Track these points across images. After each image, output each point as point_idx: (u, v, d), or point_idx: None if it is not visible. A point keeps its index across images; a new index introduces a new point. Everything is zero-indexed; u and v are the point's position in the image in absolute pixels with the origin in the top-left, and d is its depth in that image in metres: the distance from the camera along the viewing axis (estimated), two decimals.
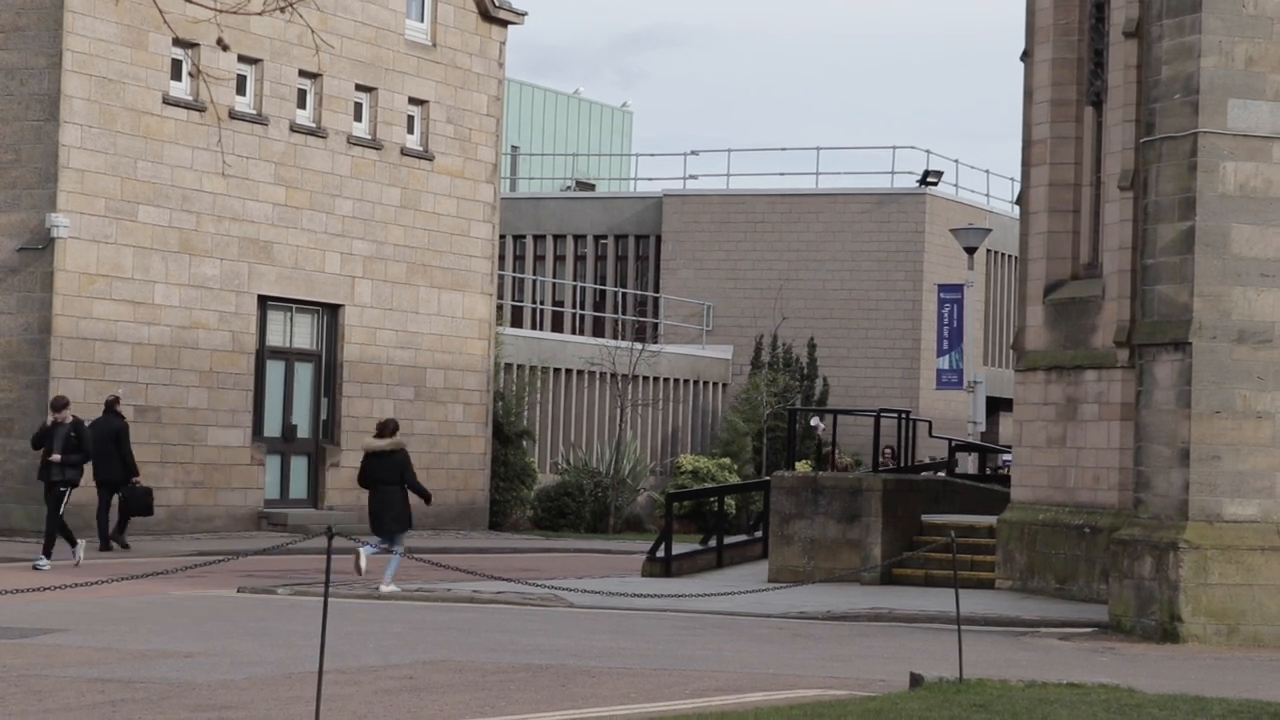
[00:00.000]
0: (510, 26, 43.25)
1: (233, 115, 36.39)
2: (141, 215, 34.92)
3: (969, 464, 44.37)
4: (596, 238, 58.12)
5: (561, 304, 57.99)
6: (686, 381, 52.05)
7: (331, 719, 13.96)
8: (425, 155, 41.00)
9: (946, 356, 44.14)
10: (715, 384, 53.20)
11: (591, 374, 48.35)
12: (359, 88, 39.61)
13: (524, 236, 58.22)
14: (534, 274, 57.73)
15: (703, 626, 22.23)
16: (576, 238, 58.37)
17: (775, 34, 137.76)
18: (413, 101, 40.84)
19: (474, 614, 23.25)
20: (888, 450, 41.28)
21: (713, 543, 31.39)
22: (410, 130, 40.91)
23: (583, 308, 57.81)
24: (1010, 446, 30.39)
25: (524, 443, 44.63)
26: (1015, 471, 27.99)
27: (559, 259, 58.44)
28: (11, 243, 33.74)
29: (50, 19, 33.63)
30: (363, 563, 26.41)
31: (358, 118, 39.70)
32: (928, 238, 53.73)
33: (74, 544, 28.18)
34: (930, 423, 44.05)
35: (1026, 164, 27.63)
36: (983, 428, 42.53)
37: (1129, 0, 25.16)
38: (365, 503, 27.07)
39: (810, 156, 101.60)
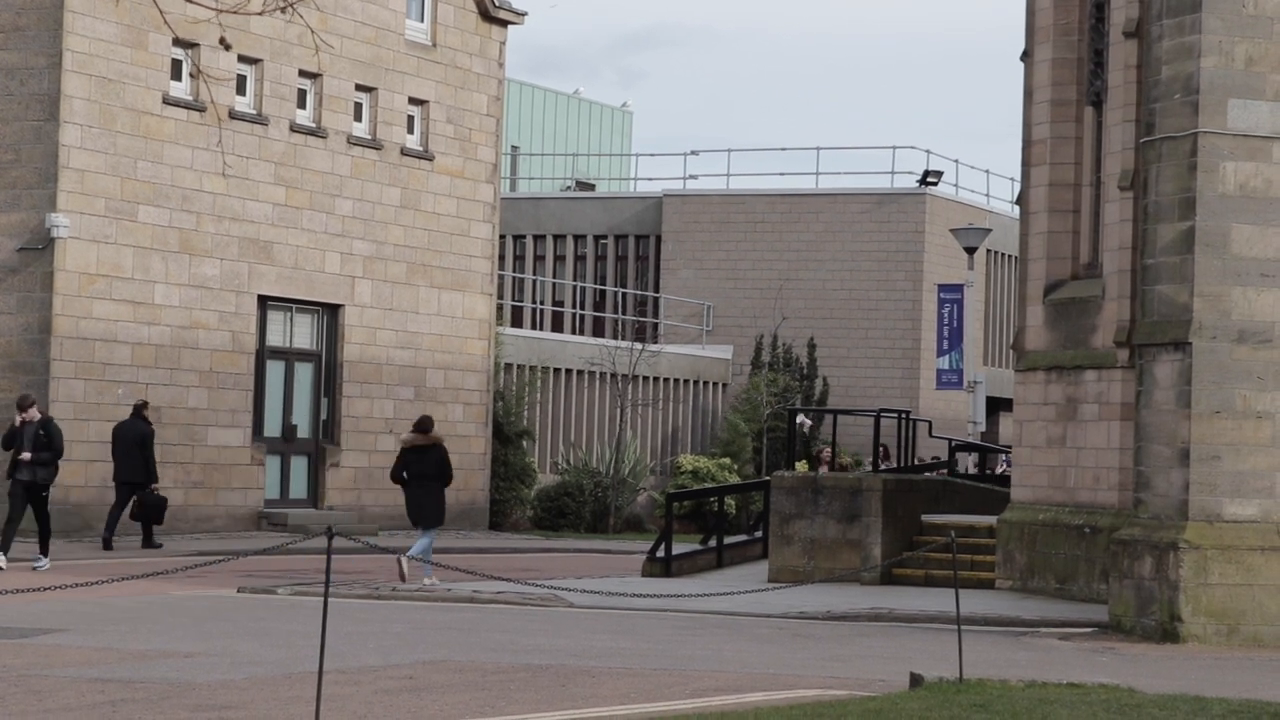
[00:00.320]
0: (510, 26, 43.25)
1: (233, 115, 36.39)
2: (141, 215, 34.92)
3: (969, 464, 44.36)
4: (596, 238, 58.11)
5: (561, 304, 57.98)
6: (686, 381, 52.04)
7: (331, 719, 13.96)
8: (425, 155, 41.00)
9: (946, 356, 44.13)
10: (715, 384, 53.19)
11: (591, 374, 48.33)
12: (359, 88, 39.60)
13: (524, 236, 58.22)
14: (534, 274, 57.72)
15: (703, 626, 22.23)
16: (576, 238, 58.37)
17: (775, 34, 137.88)
18: (413, 101, 40.83)
19: (474, 614, 23.25)
20: (883, 448, 41.22)
21: (713, 543, 31.39)
22: (410, 130, 40.90)
23: (583, 308, 57.80)
24: (1010, 446, 30.38)
25: (524, 443, 44.62)
26: (1015, 471, 27.98)
27: (559, 259, 58.43)
28: (11, 243, 33.73)
29: (50, 19, 33.62)
30: (405, 568, 26.62)
31: (358, 118, 39.70)
32: (928, 238, 53.73)
33: (4, 551, 27.72)
34: (930, 423, 44.02)
35: (1026, 164, 27.62)
36: (983, 428, 42.51)
37: (1129, 0, 25.15)
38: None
39: (810, 156, 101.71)
